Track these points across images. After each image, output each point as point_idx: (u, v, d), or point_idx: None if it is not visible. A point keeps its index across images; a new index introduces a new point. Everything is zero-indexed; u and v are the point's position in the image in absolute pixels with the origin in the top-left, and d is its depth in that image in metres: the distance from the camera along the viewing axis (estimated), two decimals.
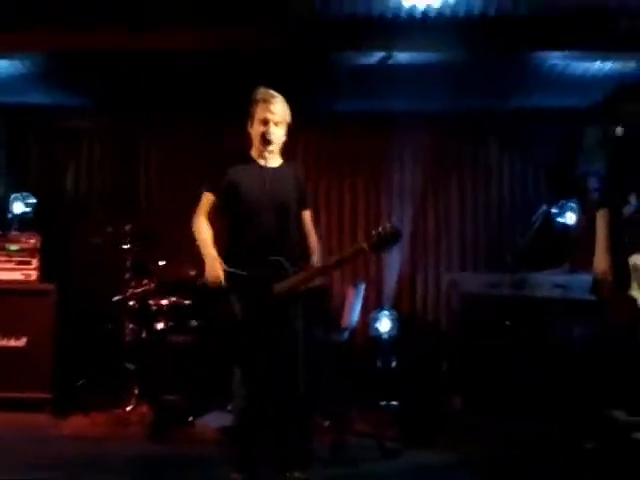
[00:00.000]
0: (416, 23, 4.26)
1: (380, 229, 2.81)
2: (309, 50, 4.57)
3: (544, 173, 5.87)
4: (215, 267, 2.89)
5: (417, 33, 4.35)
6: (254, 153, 3.05)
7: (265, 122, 2.97)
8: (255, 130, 3.00)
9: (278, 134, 3.00)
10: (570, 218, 5.14)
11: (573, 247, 5.04)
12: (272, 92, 3.01)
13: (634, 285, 2.87)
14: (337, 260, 3.02)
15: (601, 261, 2.95)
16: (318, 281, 3.04)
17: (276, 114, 2.98)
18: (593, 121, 5.54)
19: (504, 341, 4.28)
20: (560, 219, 5.23)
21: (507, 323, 3.98)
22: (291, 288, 2.86)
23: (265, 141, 2.95)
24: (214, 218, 3.07)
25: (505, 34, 4.39)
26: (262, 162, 2.96)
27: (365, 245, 2.82)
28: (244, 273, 2.88)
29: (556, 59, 4.63)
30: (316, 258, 3.02)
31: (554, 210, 5.28)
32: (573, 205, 5.24)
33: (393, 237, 2.80)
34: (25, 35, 4.40)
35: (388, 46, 4.43)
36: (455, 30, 4.27)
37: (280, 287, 2.86)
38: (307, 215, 3.12)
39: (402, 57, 4.52)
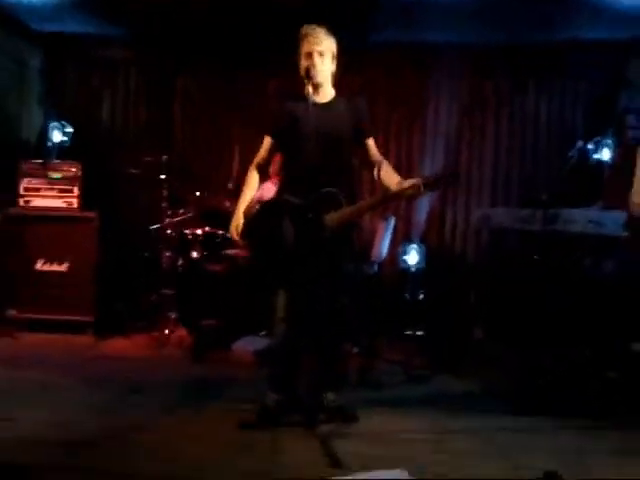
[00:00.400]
0: None
1: (439, 171, 2.79)
2: None
3: (583, 108, 5.75)
4: (235, 224, 3.08)
5: None
6: (305, 90, 3.01)
7: (309, 55, 2.97)
8: (301, 66, 3.00)
9: (323, 66, 2.98)
10: (606, 155, 5.06)
11: (607, 184, 4.99)
12: (314, 25, 3.00)
13: None
14: (390, 194, 2.94)
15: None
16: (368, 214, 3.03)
17: (317, 44, 2.96)
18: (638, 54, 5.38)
19: (533, 274, 4.32)
20: (596, 155, 5.16)
21: (536, 257, 3.99)
22: (342, 219, 2.89)
23: (309, 74, 2.94)
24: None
25: None
26: (311, 98, 2.94)
27: (420, 183, 2.73)
28: (297, 201, 2.95)
29: None
30: (396, 178, 2.91)
31: (590, 146, 5.21)
32: (609, 141, 5.16)
33: (452, 179, 2.78)
34: None
35: None
36: None
37: (331, 218, 2.89)
38: (370, 143, 3.08)
39: None
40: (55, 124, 5.49)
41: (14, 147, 5.41)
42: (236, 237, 3.11)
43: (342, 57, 5.26)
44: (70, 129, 5.57)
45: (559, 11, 4.88)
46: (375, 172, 3.00)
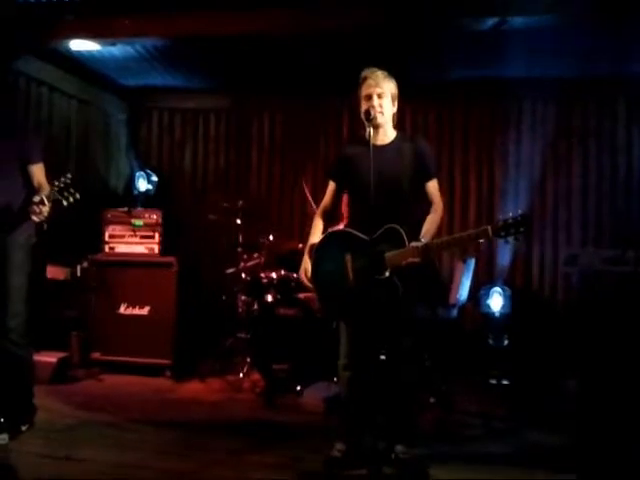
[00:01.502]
0: None
1: (509, 216, 2.63)
2: (419, 19, 4.44)
3: None
4: (304, 268, 3.08)
5: None
6: (365, 133, 3.02)
7: (368, 97, 2.98)
8: (362, 108, 3.00)
9: (383, 108, 2.98)
10: None
11: None
12: (372, 68, 3.02)
13: None
14: (455, 238, 2.91)
15: None
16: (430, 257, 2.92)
17: (377, 87, 2.97)
18: None
19: (628, 320, 3.99)
20: None
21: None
22: (402, 257, 2.80)
23: (369, 116, 2.92)
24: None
25: None
26: (372, 141, 2.92)
27: (489, 229, 2.65)
28: (361, 235, 2.92)
29: None
30: (425, 229, 2.92)
31: None
32: None
33: (522, 225, 2.60)
34: (146, 21, 4.64)
35: (503, 10, 4.20)
36: None
37: (392, 255, 2.81)
38: (430, 186, 3.02)
39: (517, 21, 4.27)
40: (141, 173, 5.78)
41: (103, 196, 5.70)
42: (306, 281, 3.08)
43: (422, 92, 5.41)
44: (155, 178, 5.84)
45: None
46: None
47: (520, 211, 2.65)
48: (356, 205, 3.08)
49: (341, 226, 3.99)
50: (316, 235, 3.13)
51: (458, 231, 5.53)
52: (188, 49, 5.05)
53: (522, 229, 2.60)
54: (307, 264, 3.07)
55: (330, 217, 3.25)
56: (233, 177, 6.06)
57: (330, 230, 3.19)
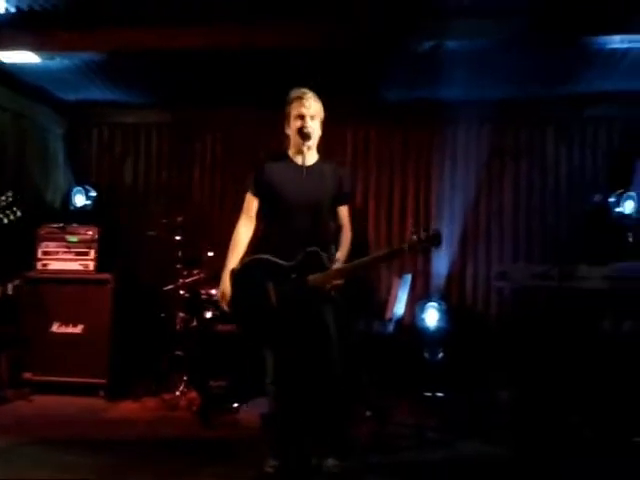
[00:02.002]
0: (467, 9, 4.16)
1: (422, 232, 2.77)
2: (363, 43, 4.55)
3: (605, 160, 5.63)
4: (222, 292, 3.05)
5: (468, 19, 4.25)
6: (291, 152, 3.10)
7: (301, 117, 3.02)
8: (292, 127, 3.05)
9: (314, 128, 3.04)
10: (629, 207, 4.92)
11: (633, 237, 4.83)
12: (304, 89, 3.07)
13: None
14: (374, 257, 3.04)
15: None
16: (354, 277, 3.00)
17: (310, 108, 3.03)
18: None
19: (555, 334, 4.16)
20: (618, 209, 5.03)
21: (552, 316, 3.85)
22: (326, 280, 2.88)
23: (303, 135, 2.98)
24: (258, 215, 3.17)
25: (562, 18, 4.24)
26: (299, 160, 2.99)
27: (405, 246, 2.79)
28: (281, 262, 2.93)
29: (617, 43, 4.42)
30: (340, 253, 3.01)
31: (611, 199, 5.09)
32: (633, 194, 5.03)
33: (434, 241, 2.75)
34: (87, 34, 4.60)
35: (440, 33, 4.36)
36: (508, 15, 4.16)
37: (315, 278, 2.87)
38: (343, 210, 3.12)
39: (453, 44, 4.43)
40: (78, 189, 5.68)
41: (38, 212, 5.56)
42: (224, 305, 3.06)
43: (358, 113, 5.52)
44: (94, 193, 5.75)
45: (576, 62, 4.86)
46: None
47: (432, 227, 2.79)
48: (276, 225, 3.06)
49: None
50: (237, 251, 3.08)
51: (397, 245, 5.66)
52: (127, 63, 5.00)
53: (434, 244, 2.75)
54: (226, 287, 3.03)
55: (250, 230, 3.17)
56: (174, 193, 5.99)
57: (248, 258, 3.11)
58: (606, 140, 5.65)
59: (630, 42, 4.38)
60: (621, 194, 5.05)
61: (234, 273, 3.03)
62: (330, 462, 2.97)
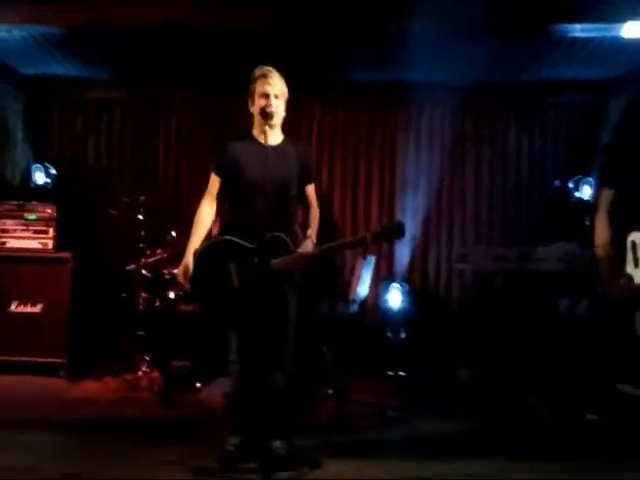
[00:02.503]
0: None
1: (384, 223, 2.83)
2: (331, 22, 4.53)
3: (565, 146, 5.75)
4: (184, 268, 3.00)
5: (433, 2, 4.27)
6: (255, 131, 3.06)
7: (265, 96, 2.98)
8: (256, 106, 3.01)
9: (278, 107, 3.01)
10: (586, 193, 5.06)
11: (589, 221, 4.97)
12: (269, 67, 3.03)
13: (630, 263, 2.86)
14: (337, 244, 3.05)
15: (601, 233, 2.94)
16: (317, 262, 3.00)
17: (274, 87, 2.99)
18: (618, 93, 5.40)
19: (513, 314, 4.27)
20: (576, 193, 5.16)
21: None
22: (288, 264, 2.88)
23: (266, 114, 2.94)
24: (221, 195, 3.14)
25: (526, 6, 4.30)
26: (262, 140, 2.96)
27: (368, 236, 2.81)
28: (245, 244, 2.92)
29: (578, 31, 4.50)
30: (310, 231, 3.03)
31: (570, 184, 5.21)
32: (590, 180, 5.16)
33: (397, 232, 2.78)
34: (46, 7, 4.48)
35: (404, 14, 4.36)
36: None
37: (277, 262, 2.87)
38: (310, 189, 3.12)
39: (419, 26, 4.44)
40: (38, 166, 5.55)
41: None
42: (183, 281, 3.02)
43: (325, 94, 5.51)
44: (54, 171, 5.63)
45: (538, 50, 4.93)
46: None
47: (395, 219, 2.82)
48: (240, 205, 3.02)
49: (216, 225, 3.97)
50: (201, 227, 3.07)
51: (362, 229, 5.72)
52: (88, 39, 4.88)
53: (396, 235, 2.78)
54: (187, 265, 3.00)
55: (213, 208, 3.15)
56: (138, 172, 5.88)
57: (211, 240, 3.10)
58: (566, 127, 5.77)
59: (591, 31, 4.47)
60: (579, 179, 5.18)
61: (197, 253, 3.01)
62: (277, 444, 2.97)
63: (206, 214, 3.11)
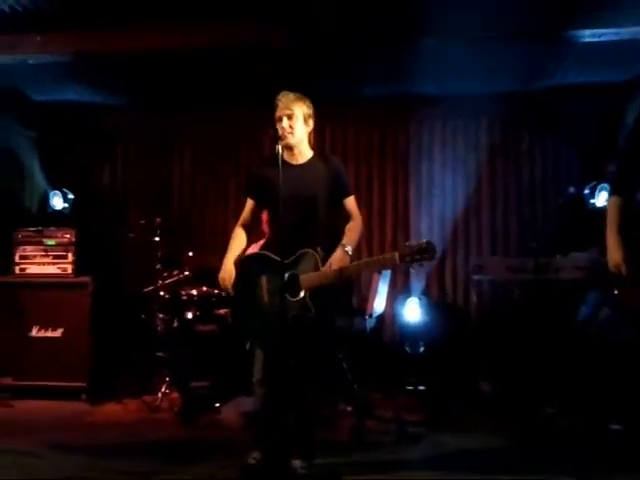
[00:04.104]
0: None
1: (415, 243, 2.79)
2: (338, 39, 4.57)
3: (579, 152, 5.69)
4: (228, 275, 3.06)
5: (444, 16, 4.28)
6: (282, 152, 3.08)
7: (279, 119, 3.07)
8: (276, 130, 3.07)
9: (293, 129, 3.05)
10: (601, 199, 5.00)
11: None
12: (285, 92, 3.11)
13: None
14: (365, 263, 3.14)
15: (613, 253, 2.76)
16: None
17: (285, 108, 3.06)
18: (634, 97, 5.35)
19: (533, 325, 4.23)
20: (592, 200, 5.11)
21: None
22: (317, 282, 2.92)
23: (280, 137, 3.00)
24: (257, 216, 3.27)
25: (537, 13, 4.29)
26: (287, 160, 3.02)
27: (396, 256, 2.82)
28: (276, 258, 2.96)
29: (587, 37, 4.48)
30: (345, 240, 3.02)
31: (586, 191, 5.17)
32: (606, 186, 5.10)
33: (427, 253, 2.75)
34: (60, 35, 4.58)
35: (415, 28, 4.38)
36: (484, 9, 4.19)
37: (306, 279, 2.92)
38: (349, 202, 3.14)
39: (430, 40, 4.46)
40: (55, 192, 5.64)
41: (15, 216, 5.51)
42: (227, 285, 3.08)
43: (336, 110, 5.54)
44: (71, 196, 5.71)
45: (550, 57, 4.91)
46: None
47: (425, 239, 2.80)
48: (272, 225, 3.14)
49: (261, 242, 4.04)
50: (238, 241, 3.18)
51: (377, 246, 5.72)
52: (99, 65, 4.98)
53: (426, 256, 2.75)
54: (230, 271, 3.07)
55: (250, 231, 3.27)
56: (154, 194, 5.96)
57: (246, 254, 3.21)
58: (579, 133, 5.72)
59: (601, 36, 4.45)
60: (595, 186, 5.13)
61: (236, 264, 3.11)
62: (297, 464, 2.98)
63: (241, 234, 3.22)
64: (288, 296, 2.89)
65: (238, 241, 3.19)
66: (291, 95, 3.10)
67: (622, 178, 2.85)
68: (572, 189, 4.85)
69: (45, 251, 4.93)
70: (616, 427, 3.59)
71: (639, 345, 3.14)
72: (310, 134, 3.16)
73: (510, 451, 3.54)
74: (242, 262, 3.14)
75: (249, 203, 3.23)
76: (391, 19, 4.42)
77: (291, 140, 3.06)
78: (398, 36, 4.50)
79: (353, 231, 3.09)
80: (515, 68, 5.14)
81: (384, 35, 4.53)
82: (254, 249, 3.79)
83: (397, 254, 2.81)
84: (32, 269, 4.94)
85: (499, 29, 4.39)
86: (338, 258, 2.93)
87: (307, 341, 2.97)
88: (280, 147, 2.97)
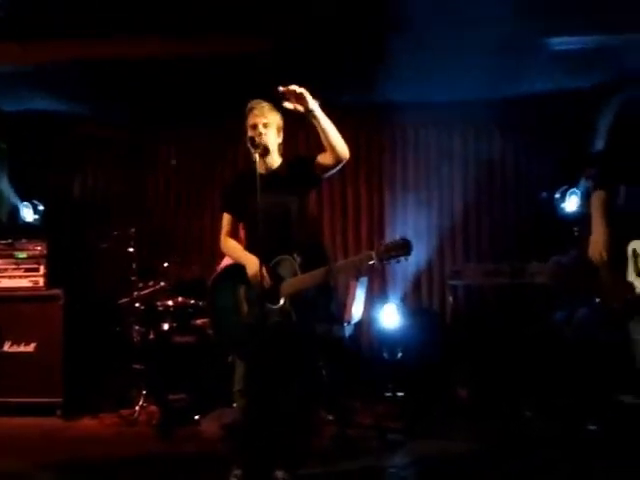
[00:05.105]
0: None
1: (390, 240, 2.79)
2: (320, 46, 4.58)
3: (553, 157, 5.78)
4: (254, 265, 2.92)
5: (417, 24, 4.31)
6: (254, 163, 3.05)
7: (253, 127, 3.04)
8: (247, 137, 3.04)
9: (268, 137, 3.04)
10: (572, 204, 5.10)
11: (581, 232, 5.00)
12: (258, 100, 3.08)
13: (631, 271, 2.88)
14: (343, 265, 3.13)
15: (597, 243, 2.94)
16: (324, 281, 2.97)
17: (262, 116, 3.03)
18: (602, 102, 5.46)
19: (509, 329, 4.28)
20: (563, 205, 5.21)
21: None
22: (297, 286, 2.91)
23: (254, 144, 2.98)
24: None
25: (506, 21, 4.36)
26: (259, 169, 2.96)
27: (373, 254, 2.81)
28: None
29: (557, 44, 4.57)
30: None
31: (556, 196, 5.26)
32: (576, 190, 5.21)
33: (403, 249, 2.75)
34: (34, 45, 4.51)
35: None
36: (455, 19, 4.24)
37: (287, 284, 2.91)
38: (319, 157, 2.98)
39: (403, 46, 4.48)
40: (26, 203, 5.54)
41: None
42: (264, 278, 2.90)
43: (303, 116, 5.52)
44: (41, 207, 5.61)
45: (520, 64, 4.98)
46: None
47: (399, 236, 2.80)
48: (249, 234, 3.12)
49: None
50: (238, 247, 3.11)
51: (352, 250, 5.73)
52: (68, 74, 4.91)
53: (402, 252, 2.75)
54: (256, 264, 2.89)
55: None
56: (127, 204, 5.89)
57: (223, 265, 3.21)
58: (550, 138, 5.82)
59: (569, 44, 4.55)
60: (566, 190, 5.22)
61: (213, 279, 3.10)
62: (279, 475, 2.96)
63: (232, 241, 3.15)
64: (268, 304, 2.88)
65: (237, 245, 3.13)
66: (265, 104, 3.07)
67: (605, 174, 3.03)
68: (544, 194, 4.94)
69: (16, 264, 4.83)
70: (593, 428, 3.64)
71: (615, 345, 3.21)
72: (280, 146, 3.14)
73: (489, 455, 3.57)
74: (219, 274, 3.14)
75: (227, 217, 3.19)
76: (365, 24, 4.45)
77: (268, 150, 3.03)
78: (368, 41, 4.54)
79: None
80: (488, 75, 5.20)
81: (360, 44, 4.58)
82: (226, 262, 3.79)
83: (373, 252, 2.81)
84: (3, 282, 4.82)
85: (470, 38, 4.44)
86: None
87: (288, 348, 2.96)
88: (257, 155, 2.97)
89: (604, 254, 2.94)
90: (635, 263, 2.88)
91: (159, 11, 4.19)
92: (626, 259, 2.91)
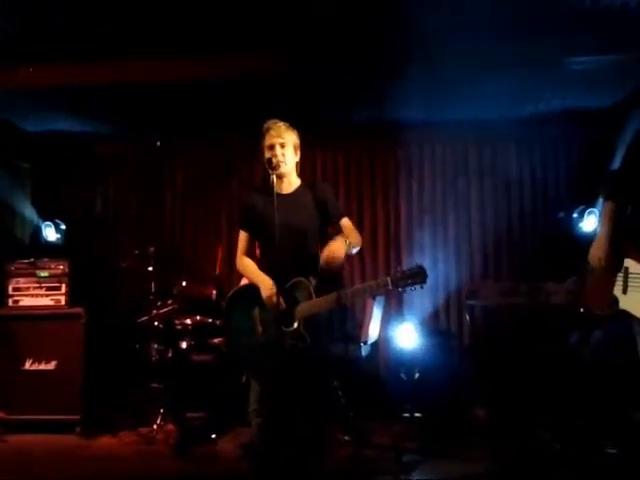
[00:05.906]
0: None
1: (406, 267, 2.80)
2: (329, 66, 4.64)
3: (570, 176, 5.76)
4: (268, 287, 2.97)
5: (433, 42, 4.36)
6: (270, 183, 3.10)
7: (270, 147, 3.08)
8: (264, 158, 3.10)
9: (285, 157, 3.08)
10: (589, 223, 5.07)
11: None
12: (274, 120, 3.13)
13: (619, 287, 2.91)
14: (358, 290, 3.06)
15: (600, 248, 2.98)
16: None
17: (279, 137, 3.08)
18: (622, 120, 5.44)
19: (526, 349, 4.25)
20: (581, 224, 5.18)
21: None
22: (311, 310, 2.93)
23: (272, 165, 3.03)
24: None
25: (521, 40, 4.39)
26: (277, 190, 3.01)
27: (388, 280, 2.81)
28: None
29: (571, 63, 4.59)
30: (343, 237, 2.97)
31: (574, 215, 5.24)
32: (595, 210, 5.18)
33: (419, 277, 2.75)
34: (52, 67, 4.63)
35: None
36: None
37: (301, 309, 2.93)
38: (344, 224, 3.10)
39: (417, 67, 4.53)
40: (48, 223, 5.64)
41: (8, 248, 5.49)
42: (273, 300, 2.95)
43: (327, 137, 5.61)
44: (63, 226, 5.71)
45: (537, 83, 5.00)
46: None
47: (417, 263, 2.80)
48: (264, 255, 3.15)
49: None
50: (254, 267, 3.13)
51: (369, 272, 5.75)
52: (91, 96, 5.04)
53: (418, 279, 2.75)
54: (270, 282, 2.98)
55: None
56: (146, 223, 5.97)
57: (239, 286, 3.22)
58: (567, 157, 5.81)
59: (583, 63, 4.56)
60: (584, 210, 5.20)
61: (228, 299, 3.12)
62: None
63: (247, 260, 3.19)
64: (282, 326, 2.91)
65: (253, 264, 3.15)
66: (282, 124, 3.12)
67: (617, 186, 3.06)
68: (561, 214, 4.92)
69: (38, 283, 4.91)
70: (611, 450, 3.60)
71: (630, 368, 3.19)
72: (297, 164, 3.18)
73: (506, 476, 3.54)
74: (234, 294, 3.16)
75: (244, 235, 3.22)
76: (380, 47, 4.50)
77: (283, 168, 3.07)
78: (385, 62, 4.59)
79: (353, 234, 3.04)
80: (502, 94, 5.22)
81: (375, 62, 4.62)
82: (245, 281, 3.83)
83: (389, 279, 2.80)
84: (25, 301, 4.91)
85: (486, 55, 4.47)
86: (336, 245, 2.88)
87: (303, 370, 2.97)
88: (274, 177, 3.01)
89: (602, 260, 2.96)
90: (625, 280, 2.89)
91: (174, 34, 4.28)
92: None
